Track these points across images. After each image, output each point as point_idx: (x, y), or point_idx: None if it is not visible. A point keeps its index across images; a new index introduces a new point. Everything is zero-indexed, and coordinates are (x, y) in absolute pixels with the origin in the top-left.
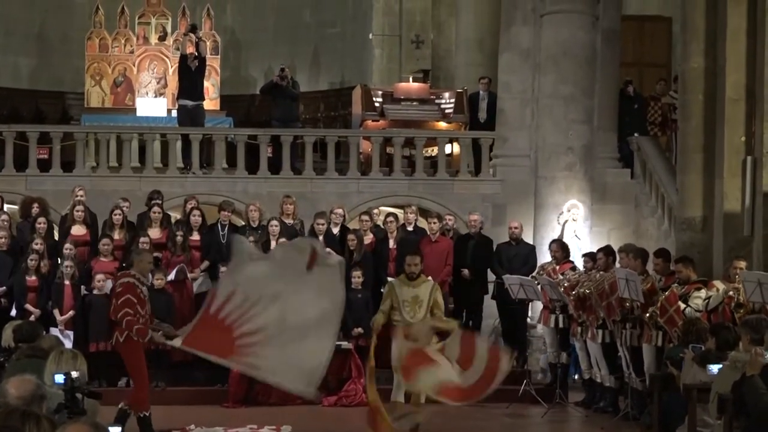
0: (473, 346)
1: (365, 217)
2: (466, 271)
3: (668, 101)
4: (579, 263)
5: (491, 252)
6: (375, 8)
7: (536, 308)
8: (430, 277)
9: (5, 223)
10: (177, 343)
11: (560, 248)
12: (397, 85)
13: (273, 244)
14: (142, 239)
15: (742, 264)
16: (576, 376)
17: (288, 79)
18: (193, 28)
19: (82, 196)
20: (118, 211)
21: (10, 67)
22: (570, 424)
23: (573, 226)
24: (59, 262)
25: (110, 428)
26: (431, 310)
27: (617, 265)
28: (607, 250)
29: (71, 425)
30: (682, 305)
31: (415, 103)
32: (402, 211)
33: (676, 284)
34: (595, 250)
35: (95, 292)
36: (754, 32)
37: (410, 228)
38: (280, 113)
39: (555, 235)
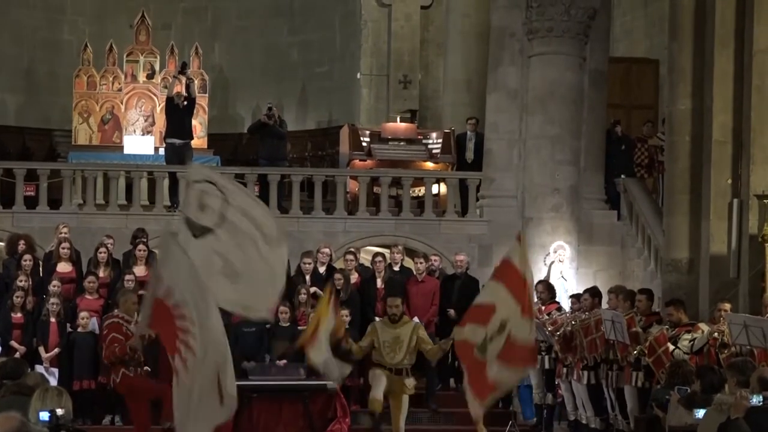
0: None
1: (350, 257)
2: (452, 312)
3: (655, 143)
4: (565, 304)
5: (477, 292)
6: (363, 48)
7: None
8: (416, 318)
9: None
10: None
11: (546, 289)
12: (385, 125)
13: None
14: (127, 277)
15: (727, 306)
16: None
17: (275, 117)
18: (183, 67)
19: (66, 233)
20: (102, 249)
21: None
22: None
23: (559, 267)
24: (45, 299)
25: None
26: (420, 347)
27: (604, 306)
28: (593, 291)
29: None
30: (671, 347)
31: (402, 143)
32: (389, 250)
33: (666, 326)
34: (581, 291)
35: (79, 329)
36: (741, 75)
37: (396, 268)
38: (268, 152)
39: (541, 277)
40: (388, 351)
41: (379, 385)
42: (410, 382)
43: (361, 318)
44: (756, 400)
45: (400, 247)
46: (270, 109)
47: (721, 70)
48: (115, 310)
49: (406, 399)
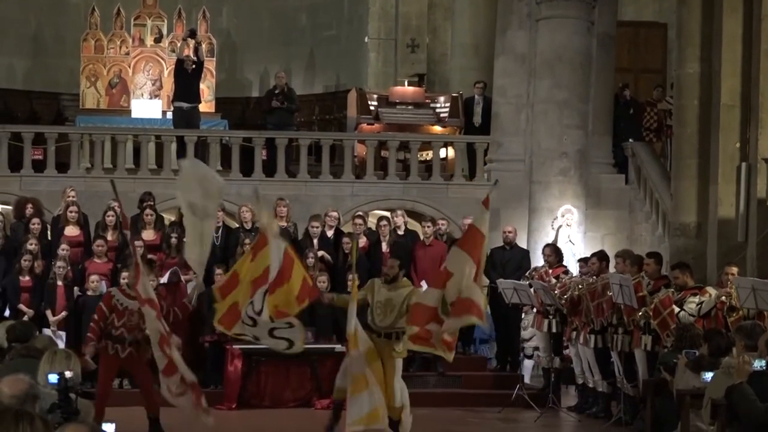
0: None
1: (359, 221)
2: None
3: (664, 107)
4: (573, 268)
5: (485, 256)
6: (371, 12)
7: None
8: (423, 283)
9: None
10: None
11: (553, 252)
12: (393, 89)
13: None
14: (136, 242)
15: (734, 270)
16: (564, 387)
17: (284, 87)
18: (192, 33)
19: (73, 196)
20: (110, 212)
21: (5, 68)
22: (562, 429)
23: (567, 231)
24: (52, 262)
25: (105, 425)
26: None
27: (612, 269)
28: (600, 255)
29: (70, 426)
30: (676, 309)
31: (410, 107)
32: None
33: (672, 289)
34: (589, 255)
35: (89, 293)
36: (749, 39)
37: (400, 231)
38: (276, 119)
39: (549, 240)
40: (378, 312)
41: (347, 375)
42: (400, 345)
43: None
44: (759, 364)
45: (399, 211)
46: (279, 94)
47: (730, 34)
48: (123, 275)
49: (398, 363)
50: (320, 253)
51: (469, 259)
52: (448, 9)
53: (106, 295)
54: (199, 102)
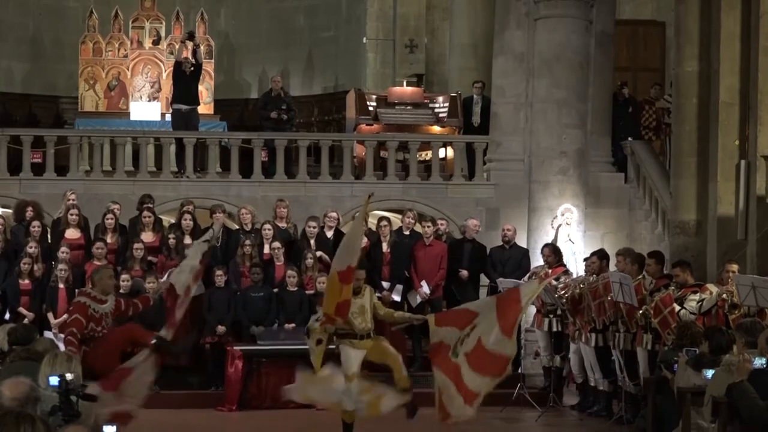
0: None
1: None
2: (464, 272)
3: (663, 105)
4: (573, 267)
5: (485, 256)
6: (369, 12)
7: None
8: (423, 283)
9: None
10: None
11: (552, 252)
12: (391, 90)
13: (266, 248)
14: (136, 245)
15: (735, 267)
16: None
17: (280, 92)
18: (190, 35)
19: (74, 199)
20: (110, 215)
21: (4, 72)
22: (564, 428)
23: (567, 230)
24: (53, 265)
25: (105, 428)
26: (375, 312)
27: (612, 268)
28: (600, 254)
29: (70, 428)
30: (677, 307)
31: (409, 107)
32: (394, 215)
33: (673, 287)
34: (589, 255)
35: None
36: (747, 36)
37: (407, 232)
38: (274, 123)
39: (549, 239)
40: (359, 320)
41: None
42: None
43: (369, 283)
44: (759, 362)
45: (411, 213)
46: (276, 99)
47: (728, 31)
48: (89, 287)
49: (388, 347)
50: (318, 253)
51: (495, 306)
52: (446, 9)
53: (80, 305)
54: (198, 104)
